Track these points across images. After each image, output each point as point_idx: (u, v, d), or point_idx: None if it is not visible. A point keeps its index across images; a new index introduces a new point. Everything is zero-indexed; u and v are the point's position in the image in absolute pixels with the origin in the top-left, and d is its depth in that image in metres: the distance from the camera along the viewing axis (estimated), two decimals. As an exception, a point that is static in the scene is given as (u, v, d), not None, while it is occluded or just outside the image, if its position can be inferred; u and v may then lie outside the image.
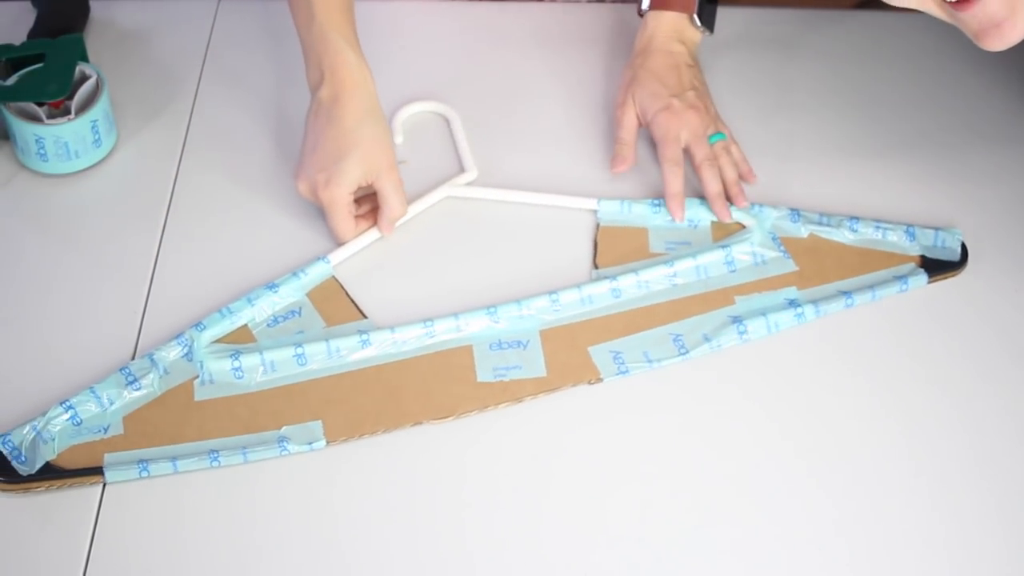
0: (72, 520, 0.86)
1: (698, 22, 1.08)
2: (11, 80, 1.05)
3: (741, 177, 1.05)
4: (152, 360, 0.92)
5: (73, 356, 0.94)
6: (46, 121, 1.04)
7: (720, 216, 1.02)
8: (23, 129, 1.04)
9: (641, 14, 1.11)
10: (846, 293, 0.99)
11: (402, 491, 0.87)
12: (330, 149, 0.97)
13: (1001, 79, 1.16)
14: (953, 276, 1.01)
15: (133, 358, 0.94)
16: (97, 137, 1.06)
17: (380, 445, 0.90)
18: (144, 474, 0.87)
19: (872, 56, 1.18)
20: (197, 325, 0.94)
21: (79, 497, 0.87)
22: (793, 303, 0.98)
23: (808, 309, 0.97)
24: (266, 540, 0.85)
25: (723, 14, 1.16)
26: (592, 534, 0.85)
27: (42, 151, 1.05)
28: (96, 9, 1.20)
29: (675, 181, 1.03)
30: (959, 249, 1.02)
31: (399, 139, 1.09)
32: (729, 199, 1.03)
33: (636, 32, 1.11)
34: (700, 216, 1.03)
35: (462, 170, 1.07)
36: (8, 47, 1.07)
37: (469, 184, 1.06)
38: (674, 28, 1.09)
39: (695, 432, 0.91)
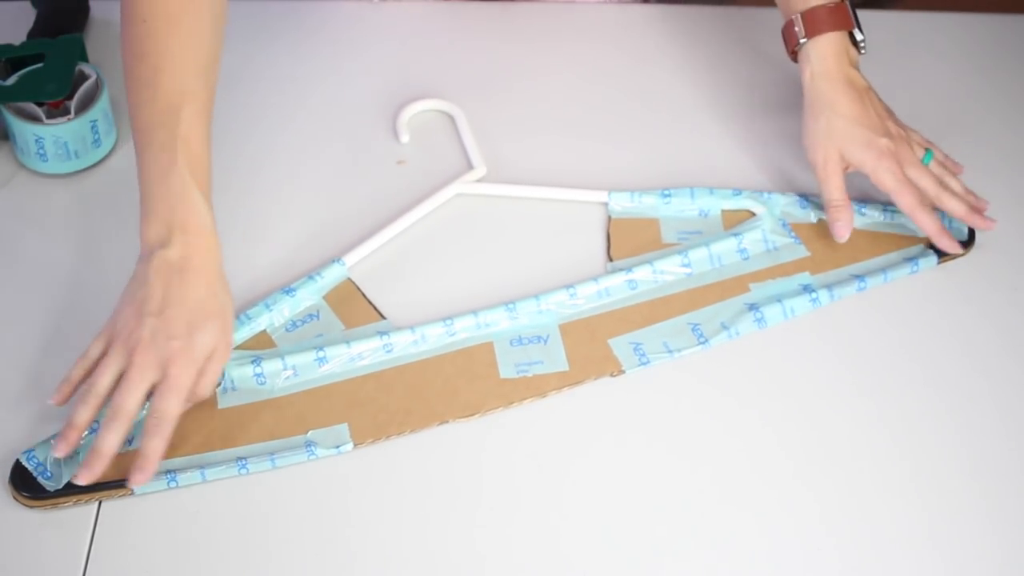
0: (70, 526, 0.85)
1: (859, 35, 1.01)
2: (11, 80, 1.05)
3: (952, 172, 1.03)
4: (173, 369, 0.91)
5: (71, 358, 0.92)
6: (46, 121, 1.03)
7: (952, 248, 1.00)
8: (23, 129, 1.03)
9: (796, 51, 1.02)
10: (858, 276, 0.99)
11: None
12: (182, 315, 0.85)
13: (1003, 66, 1.19)
14: (962, 256, 1.02)
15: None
16: (97, 137, 1.05)
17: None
18: (172, 484, 0.86)
19: (879, 50, 1.18)
20: (216, 332, 0.93)
21: (77, 503, 0.86)
22: (807, 288, 0.99)
23: (822, 294, 0.98)
24: (267, 544, 0.84)
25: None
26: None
27: (42, 151, 1.04)
28: (96, 9, 1.19)
29: (933, 223, 1.00)
30: (966, 228, 1.03)
31: (404, 139, 1.09)
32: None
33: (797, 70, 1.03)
34: (710, 205, 1.04)
35: (470, 167, 1.06)
36: (8, 47, 1.07)
37: (479, 181, 1.06)
38: (838, 50, 1.01)
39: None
